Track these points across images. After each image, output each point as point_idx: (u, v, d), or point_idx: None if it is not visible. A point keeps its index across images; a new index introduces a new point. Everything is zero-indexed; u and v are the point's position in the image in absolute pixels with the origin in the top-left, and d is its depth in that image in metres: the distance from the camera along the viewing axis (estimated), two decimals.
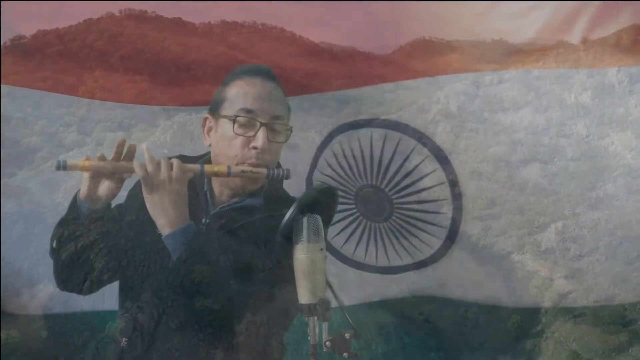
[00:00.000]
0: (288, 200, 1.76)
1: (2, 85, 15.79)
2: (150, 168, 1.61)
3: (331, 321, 1.55)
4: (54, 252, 1.74)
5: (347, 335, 1.48)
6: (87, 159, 1.64)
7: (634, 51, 16.34)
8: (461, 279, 11.79)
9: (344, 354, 1.50)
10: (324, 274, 1.56)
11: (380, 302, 11.16)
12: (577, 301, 11.32)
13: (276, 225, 1.64)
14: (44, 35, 20.90)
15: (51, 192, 9.06)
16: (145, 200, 1.65)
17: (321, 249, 1.58)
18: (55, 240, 1.74)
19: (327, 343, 1.50)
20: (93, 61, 19.46)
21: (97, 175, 1.69)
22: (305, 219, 1.60)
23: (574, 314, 11.37)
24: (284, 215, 1.64)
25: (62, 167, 1.57)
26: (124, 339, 1.54)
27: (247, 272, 1.58)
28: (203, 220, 1.71)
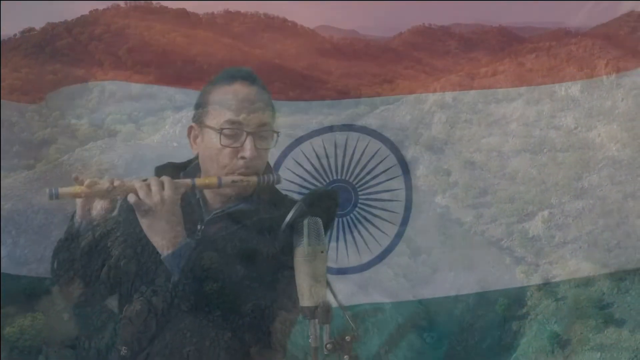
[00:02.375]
0: (282, 200, 1.73)
1: (12, 80, 16.18)
2: (142, 192, 1.56)
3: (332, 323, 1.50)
4: (54, 272, 1.66)
5: (347, 338, 1.48)
6: (78, 183, 1.61)
7: (623, 44, 16.72)
8: (453, 264, 12.37)
9: (345, 357, 1.47)
10: (325, 276, 1.54)
11: (375, 286, 11.71)
12: (560, 286, 11.91)
13: (272, 218, 1.62)
14: (52, 28, 21.16)
15: (69, 184, 9.57)
16: (141, 223, 1.58)
17: (322, 252, 1.53)
18: (55, 261, 1.66)
19: (328, 346, 1.48)
20: (102, 54, 19.81)
21: (89, 199, 1.63)
22: (306, 222, 1.53)
23: (556, 297, 11.96)
24: (279, 214, 1.60)
25: (55, 196, 1.57)
26: (124, 347, 1.56)
27: (250, 261, 1.57)
28: (198, 227, 1.64)
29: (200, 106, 1.69)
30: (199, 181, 1.65)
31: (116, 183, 1.56)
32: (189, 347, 1.52)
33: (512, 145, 14.58)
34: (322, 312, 1.49)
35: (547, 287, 11.74)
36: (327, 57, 24.38)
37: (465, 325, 11.85)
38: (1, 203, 10.40)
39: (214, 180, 1.63)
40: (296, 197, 1.78)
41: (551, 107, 15.17)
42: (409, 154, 15.54)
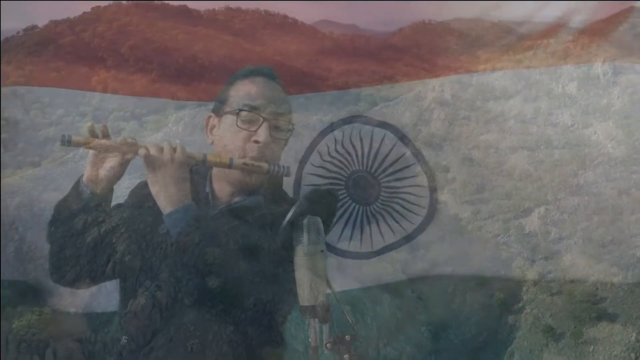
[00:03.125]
0: (285, 198, 1.74)
1: (17, 78, 16.22)
2: (152, 150, 1.58)
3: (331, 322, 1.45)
4: (51, 236, 1.66)
5: (347, 337, 1.47)
6: (92, 135, 1.61)
7: (621, 42, 16.83)
8: (451, 260, 12.53)
9: (345, 356, 1.46)
10: (325, 275, 1.54)
11: (375, 281, 11.85)
12: (554, 281, 12.07)
13: (275, 214, 1.62)
14: (55, 26, 21.23)
15: (75, 180, 9.72)
16: (147, 180, 1.60)
17: (322, 251, 1.53)
18: (52, 226, 1.67)
19: (328, 345, 1.49)
20: (104, 51, 19.93)
21: (100, 157, 1.63)
22: (305, 221, 1.53)
23: (551, 292, 12.11)
24: (282, 211, 1.60)
25: (67, 142, 1.57)
26: (124, 337, 1.55)
27: (251, 256, 1.60)
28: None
29: (221, 98, 1.72)
30: (210, 156, 1.66)
31: (130, 140, 1.59)
32: (192, 340, 1.55)
33: (510, 142, 14.72)
34: (322, 311, 1.50)
35: (543, 282, 11.88)
36: (327, 54, 24.45)
37: (463, 319, 12.00)
38: (9, 200, 10.62)
39: (225, 159, 1.64)
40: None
41: (548, 105, 15.31)
42: (408, 150, 15.62)
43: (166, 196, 1.57)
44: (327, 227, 1.62)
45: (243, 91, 1.69)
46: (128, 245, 1.59)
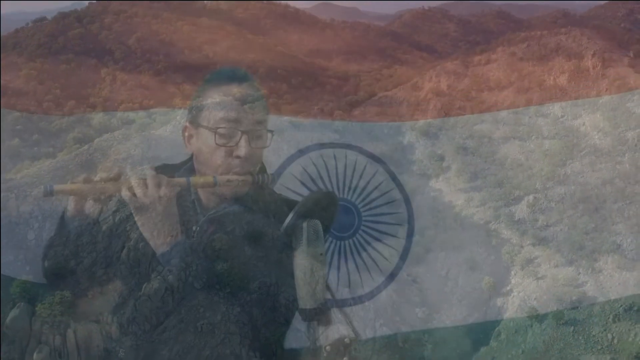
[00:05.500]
0: (276, 200, 1.75)
1: (29, 70, 16.70)
2: (137, 189, 1.53)
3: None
4: (46, 272, 1.73)
5: (347, 340, 1.49)
6: (73, 182, 1.57)
7: (611, 35, 17.23)
8: (444, 245, 13.11)
9: (345, 358, 1.48)
10: (324, 278, 1.53)
11: (371, 266, 12.41)
12: (540, 265, 12.66)
13: (267, 217, 1.66)
14: (64, 18, 21.72)
15: (89, 172, 10.38)
16: (137, 221, 1.58)
17: (321, 254, 1.53)
18: (46, 261, 1.70)
19: (327, 347, 1.48)
20: (112, 43, 20.46)
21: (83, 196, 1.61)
22: (305, 224, 1.53)
23: (537, 276, 12.69)
24: (273, 213, 1.65)
25: (49, 193, 1.53)
26: (121, 350, 1.62)
27: (247, 258, 1.64)
28: (194, 228, 1.63)
29: (194, 106, 1.69)
30: (194, 180, 1.64)
31: (112, 175, 1.58)
32: (202, 320, 1.61)
33: (503, 132, 15.18)
34: (321, 314, 1.51)
35: (530, 267, 12.42)
36: (328, 43, 24.79)
37: (455, 301, 12.50)
38: (28, 190, 11.24)
39: (209, 179, 1.62)
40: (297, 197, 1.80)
41: (540, 96, 15.72)
42: (405, 139, 16.21)
43: (158, 237, 1.59)
44: (327, 231, 1.63)
45: (217, 102, 1.65)
46: (141, 233, 1.61)
